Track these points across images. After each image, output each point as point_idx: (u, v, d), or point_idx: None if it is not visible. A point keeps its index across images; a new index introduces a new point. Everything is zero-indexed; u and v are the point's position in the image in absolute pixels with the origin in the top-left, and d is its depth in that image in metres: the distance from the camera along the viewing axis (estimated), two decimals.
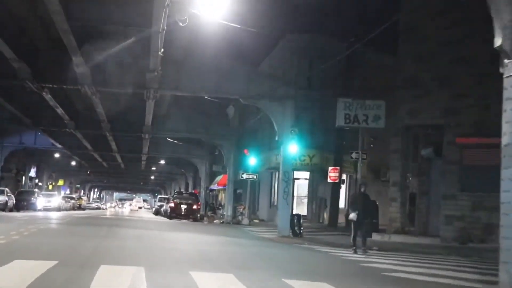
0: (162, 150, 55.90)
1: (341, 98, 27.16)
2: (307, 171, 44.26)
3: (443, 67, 25.75)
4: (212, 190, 65.92)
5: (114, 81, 26.18)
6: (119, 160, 64.76)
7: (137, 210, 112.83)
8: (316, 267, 14.68)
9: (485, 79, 23.15)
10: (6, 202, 43.60)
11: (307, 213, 44.17)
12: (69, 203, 71.67)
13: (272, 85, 26.44)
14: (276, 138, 27.57)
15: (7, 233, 17.16)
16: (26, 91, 29.00)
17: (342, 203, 44.45)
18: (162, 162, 67.43)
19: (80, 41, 22.61)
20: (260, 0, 25.85)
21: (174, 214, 45.60)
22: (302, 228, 26.75)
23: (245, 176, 40.65)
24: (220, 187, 65.23)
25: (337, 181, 39.92)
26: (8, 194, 45.59)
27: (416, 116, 26.61)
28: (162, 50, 20.94)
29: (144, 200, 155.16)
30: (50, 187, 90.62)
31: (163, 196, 79.37)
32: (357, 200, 18.22)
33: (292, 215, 27.13)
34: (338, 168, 40.00)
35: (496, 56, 10.67)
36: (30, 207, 49.90)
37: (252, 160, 40.59)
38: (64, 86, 27.47)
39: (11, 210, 43.89)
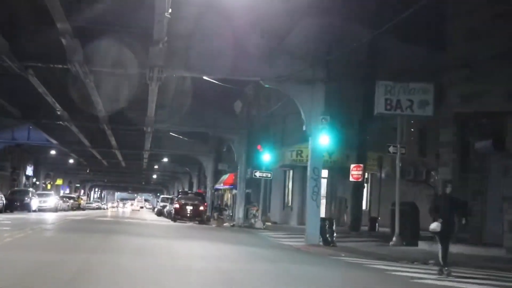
0: (165, 147, 51.28)
1: (381, 80, 22.56)
2: (325, 168, 39.57)
3: (504, 43, 21.00)
4: (217, 190, 61.32)
5: (110, 59, 21.53)
6: (120, 157, 60.10)
7: (138, 210, 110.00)
8: None
9: None
10: None
11: (325, 215, 39.47)
12: (67, 203, 67.40)
13: (299, 65, 21.78)
14: (304, 128, 22.95)
15: None
16: (10, 75, 24.41)
17: (364, 205, 39.87)
18: (165, 159, 62.72)
19: (68, 7, 18.05)
20: None
21: (178, 216, 41.00)
22: (335, 235, 22.10)
23: (258, 174, 36.03)
24: (227, 186, 60.93)
25: (360, 180, 35.44)
26: None
27: (470, 102, 21.82)
28: (170, 11, 16.29)
29: (145, 200, 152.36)
30: (49, 186, 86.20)
31: (166, 196, 74.71)
32: (441, 204, 13.40)
33: (323, 220, 22.48)
34: (361, 165, 35.49)
35: None
36: (23, 207, 45.95)
37: (266, 157, 35.97)
38: (51, 65, 22.88)
39: (1, 212, 39.31)
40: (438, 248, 13.76)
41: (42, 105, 33.68)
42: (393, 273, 13.96)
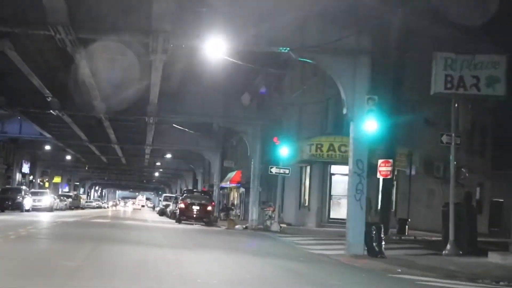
0: (168, 141, 46.59)
1: (440, 52, 17.85)
2: (346, 164, 34.89)
3: None
4: (222, 188, 56.64)
5: (103, 23, 16.84)
6: (120, 153, 55.43)
7: (139, 209, 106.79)
8: None
9: None
10: None
11: (347, 217, 34.78)
12: (65, 202, 62.97)
13: (339, 32, 17.10)
14: (344, 111, 18.22)
15: None
16: None
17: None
18: (168, 155, 57.93)
19: None
20: None
21: (184, 216, 36.35)
22: (383, 243, 17.46)
23: (274, 170, 31.37)
24: (233, 184, 56.53)
25: (389, 176, 30.72)
26: None
27: None
28: None
29: (147, 199, 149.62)
30: (47, 184, 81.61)
31: (168, 194, 69.80)
32: None
33: (369, 225, 17.81)
34: (390, 161, 30.83)
35: None
36: (16, 207, 42.71)
37: (283, 151, 31.30)
38: (29, 32, 18.21)
39: None
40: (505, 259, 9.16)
41: (30, 91, 29.05)
42: None
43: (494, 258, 17.14)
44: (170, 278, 10.16)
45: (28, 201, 45.41)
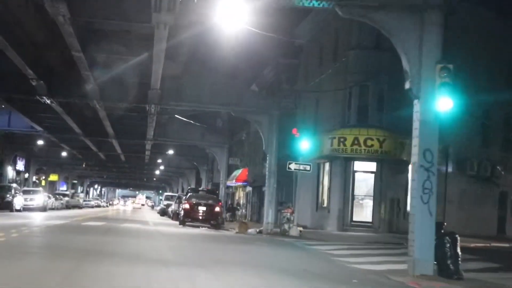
0: (171, 135, 42.04)
1: None
2: (374, 161, 30.50)
3: None
4: (227, 187, 52.19)
5: None
6: (118, 149, 50.81)
7: (140, 208, 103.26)
8: None
9: None
10: None
11: (372, 220, 30.43)
12: (61, 201, 58.75)
13: None
14: (407, 86, 13.68)
15: None
16: None
17: None
18: (170, 152, 53.25)
19: None
20: None
21: (188, 218, 31.90)
22: (460, 260, 12.97)
23: (293, 166, 26.95)
24: (239, 183, 52.24)
25: None
26: None
27: None
28: None
29: (147, 197, 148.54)
30: (43, 183, 77.10)
31: (170, 193, 65.08)
32: None
33: (442, 236, 13.29)
34: None
35: None
36: (5, 206, 39.23)
37: (304, 144, 26.87)
38: None
39: None
40: None
41: (13, 74, 24.58)
42: None
43: None
44: None
45: (19, 200, 41.43)
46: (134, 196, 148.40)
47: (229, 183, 50.39)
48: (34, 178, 74.76)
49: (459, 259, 12.89)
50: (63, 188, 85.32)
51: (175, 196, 54.06)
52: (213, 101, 27.53)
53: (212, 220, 31.66)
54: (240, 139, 50.30)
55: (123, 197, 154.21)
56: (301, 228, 27.70)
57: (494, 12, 30.26)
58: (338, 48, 32.12)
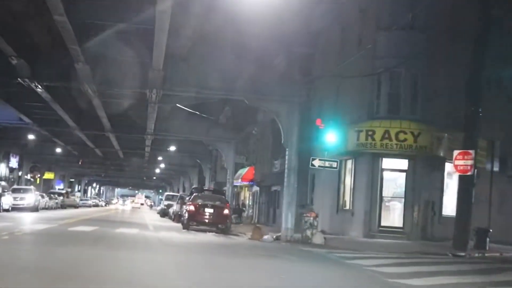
0: (173, 129, 37.84)
1: None
2: (405, 158, 26.31)
3: None
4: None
5: None
6: (116, 145, 46.52)
7: (139, 208, 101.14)
8: None
9: None
10: None
11: (403, 225, 26.22)
12: (56, 201, 54.80)
13: None
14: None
15: None
16: None
17: (449, 210, 27.04)
18: (172, 148, 48.90)
19: None
20: None
21: (193, 222, 27.68)
22: None
23: (317, 163, 22.76)
24: (245, 182, 48.22)
25: (469, 173, 22.38)
26: None
27: None
28: None
29: (146, 197, 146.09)
30: (38, 181, 72.87)
31: (171, 193, 60.55)
32: None
33: None
34: (471, 152, 22.46)
35: None
36: None
37: (330, 137, 22.66)
38: None
39: None
40: None
41: None
42: None
43: None
44: None
45: (7, 200, 37.47)
46: (134, 195, 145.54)
47: (234, 182, 46.32)
48: (29, 176, 70.70)
49: None
50: (60, 186, 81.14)
51: (177, 196, 50.00)
52: (224, 87, 23.24)
53: (220, 224, 27.41)
54: (245, 136, 46.11)
55: (122, 196, 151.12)
56: (324, 235, 23.53)
57: None
58: (364, 30, 27.93)
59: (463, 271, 14.46)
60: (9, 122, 39.28)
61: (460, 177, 23.08)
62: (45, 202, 49.26)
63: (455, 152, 22.83)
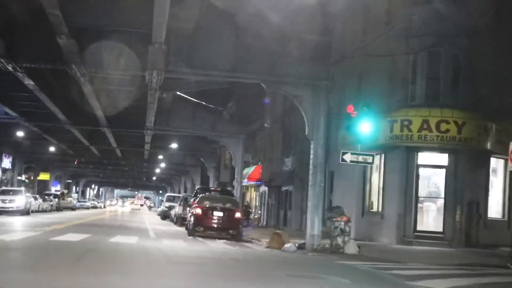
0: (174, 124, 34.00)
1: None
2: (446, 151, 22.44)
3: None
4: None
5: None
6: (113, 142, 42.61)
7: (138, 209, 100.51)
8: None
9: None
10: None
11: (443, 229, 22.32)
12: (50, 203, 51.25)
13: None
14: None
15: None
16: None
17: (494, 212, 23.23)
18: (174, 145, 44.93)
19: None
20: None
21: (201, 227, 23.71)
22: None
23: (349, 158, 18.81)
24: (252, 182, 44.64)
25: None
26: None
27: None
28: None
29: (146, 198, 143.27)
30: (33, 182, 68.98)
31: (172, 194, 56.41)
32: None
33: None
34: None
35: None
36: None
37: (365, 127, 18.77)
38: None
39: None
40: None
41: None
42: None
43: None
44: None
45: None
46: (133, 196, 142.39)
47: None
48: (23, 177, 66.87)
49: None
50: (56, 188, 77.27)
51: (178, 197, 46.18)
52: (235, 68, 19.30)
53: (232, 229, 23.40)
54: (251, 132, 42.25)
55: (122, 197, 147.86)
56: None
57: None
58: (393, 5, 24.07)
59: None
60: None
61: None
62: (38, 205, 45.81)
63: None
